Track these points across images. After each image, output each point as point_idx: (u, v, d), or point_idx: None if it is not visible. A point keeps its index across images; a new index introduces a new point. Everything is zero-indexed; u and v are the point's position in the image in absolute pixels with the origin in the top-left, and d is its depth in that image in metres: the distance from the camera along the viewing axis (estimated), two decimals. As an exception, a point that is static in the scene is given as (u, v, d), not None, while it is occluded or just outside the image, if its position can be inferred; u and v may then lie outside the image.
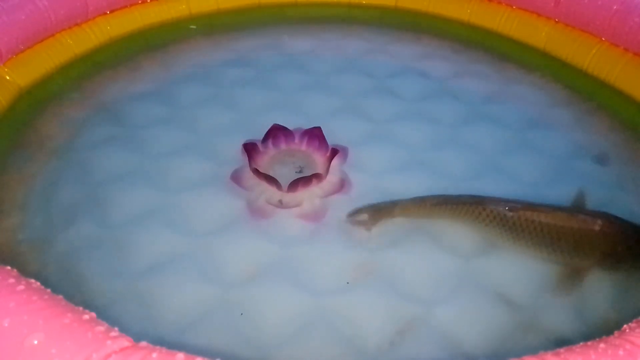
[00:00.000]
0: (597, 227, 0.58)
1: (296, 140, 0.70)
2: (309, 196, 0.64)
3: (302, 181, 0.63)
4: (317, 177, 0.63)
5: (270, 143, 0.69)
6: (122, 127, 0.74)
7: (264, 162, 0.68)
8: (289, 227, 0.61)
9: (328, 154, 0.66)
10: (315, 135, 0.69)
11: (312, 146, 0.69)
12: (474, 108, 0.82)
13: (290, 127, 0.71)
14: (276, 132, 0.70)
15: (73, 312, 0.35)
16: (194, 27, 1.00)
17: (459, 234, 0.61)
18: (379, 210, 0.63)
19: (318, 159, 0.68)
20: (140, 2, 0.95)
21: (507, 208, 0.59)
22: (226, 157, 0.67)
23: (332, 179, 0.66)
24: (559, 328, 0.53)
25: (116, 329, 0.35)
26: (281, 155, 0.69)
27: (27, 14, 0.78)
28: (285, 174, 0.65)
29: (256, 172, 0.64)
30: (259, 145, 0.69)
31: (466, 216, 0.61)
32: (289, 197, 0.63)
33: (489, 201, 0.61)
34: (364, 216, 0.62)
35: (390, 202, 0.63)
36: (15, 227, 0.59)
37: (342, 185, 0.66)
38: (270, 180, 0.63)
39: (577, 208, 0.63)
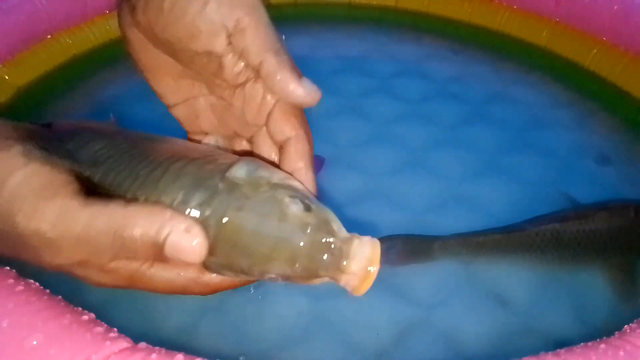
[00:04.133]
0: (633, 216, 0.58)
1: None
2: None
3: None
4: None
5: None
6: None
7: None
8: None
9: None
10: None
11: None
12: (475, 108, 0.82)
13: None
14: None
15: (72, 313, 0.35)
16: None
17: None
18: (415, 250, 0.57)
19: None
20: (140, 2, 0.95)
21: (561, 223, 0.56)
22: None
23: None
24: (559, 329, 0.53)
25: (115, 329, 0.35)
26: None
27: (25, 14, 0.77)
28: None
29: None
30: None
31: (519, 246, 0.57)
32: None
33: (537, 222, 0.58)
34: (395, 253, 0.56)
35: (427, 239, 0.57)
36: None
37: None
38: None
39: (600, 205, 0.62)
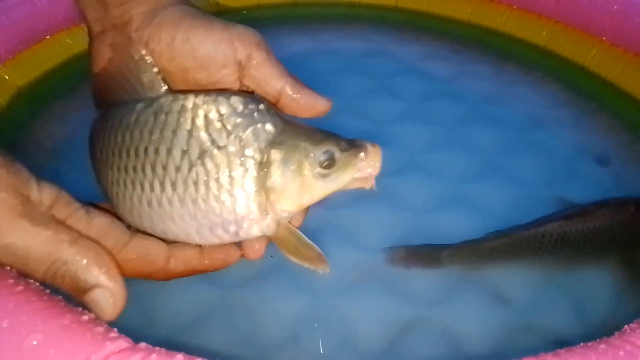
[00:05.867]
0: (633, 211, 0.57)
1: None
2: None
3: None
4: None
5: None
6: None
7: None
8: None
9: None
10: None
11: None
12: (475, 108, 0.82)
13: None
14: None
15: (72, 313, 0.35)
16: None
17: (456, 235, 0.61)
18: (422, 258, 0.57)
19: None
20: (139, 1, 0.95)
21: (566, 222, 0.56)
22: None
23: None
24: (559, 329, 0.53)
25: (115, 329, 0.35)
26: None
27: (25, 14, 0.78)
28: None
29: None
30: None
31: (527, 249, 0.56)
32: None
33: (541, 223, 0.57)
34: (402, 258, 0.56)
35: (435, 248, 0.57)
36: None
37: None
38: None
39: (599, 202, 0.61)
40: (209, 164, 0.31)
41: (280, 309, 0.53)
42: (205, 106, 0.31)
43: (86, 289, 0.29)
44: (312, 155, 0.32)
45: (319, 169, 0.32)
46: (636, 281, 0.57)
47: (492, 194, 0.67)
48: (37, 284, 0.38)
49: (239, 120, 0.31)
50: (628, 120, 0.80)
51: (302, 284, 0.55)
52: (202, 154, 0.31)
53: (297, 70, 0.95)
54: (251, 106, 0.32)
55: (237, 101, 0.32)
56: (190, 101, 0.31)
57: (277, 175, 0.31)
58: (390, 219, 0.63)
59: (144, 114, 0.32)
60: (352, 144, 0.34)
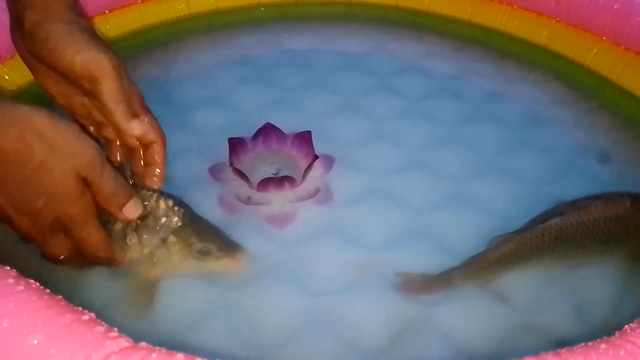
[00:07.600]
0: (629, 205, 0.57)
1: (288, 143, 0.69)
2: (280, 199, 0.63)
3: (273, 182, 0.62)
4: (289, 180, 0.62)
5: (260, 142, 0.68)
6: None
7: (248, 158, 0.67)
8: (288, 227, 0.61)
9: (310, 160, 0.65)
10: (304, 139, 0.68)
11: (299, 150, 0.68)
12: (475, 107, 0.82)
13: (289, 125, 0.70)
14: (268, 132, 0.69)
15: (72, 313, 0.35)
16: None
17: (457, 233, 0.61)
18: (435, 284, 0.56)
19: (301, 164, 0.67)
20: (139, 1, 0.95)
21: (559, 216, 0.55)
22: (224, 157, 0.67)
23: (307, 186, 0.65)
24: (559, 328, 0.53)
25: (115, 329, 0.35)
26: (267, 155, 0.69)
27: (26, 13, 0.77)
28: (264, 174, 0.64)
29: (231, 166, 0.64)
30: (248, 142, 0.68)
31: (530, 250, 0.55)
32: (258, 196, 0.62)
33: (538, 222, 0.56)
34: (415, 282, 0.56)
35: (444, 272, 0.56)
36: (15, 226, 0.59)
37: (318, 193, 0.64)
38: (243, 176, 0.62)
39: (593, 197, 0.61)
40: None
41: (280, 309, 0.53)
42: (152, 201, 0.52)
43: (125, 203, 0.48)
44: (194, 246, 0.52)
45: (195, 255, 0.52)
46: (636, 277, 0.57)
47: (493, 191, 0.67)
48: (38, 284, 0.38)
49: (162, 213, 0.52)
50: (629, 118, 0.80)
51: (302, 284, 0.55)
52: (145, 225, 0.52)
53: (298, 68, 0.96)
54: (171, 204, 0.53)
55: (169, 201, 0.53)
56: (152, 197, 0.53)
57: (168, 249, 0.52)
58: (391, 217, 0.63)
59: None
60: (231, 248, 0.54)
